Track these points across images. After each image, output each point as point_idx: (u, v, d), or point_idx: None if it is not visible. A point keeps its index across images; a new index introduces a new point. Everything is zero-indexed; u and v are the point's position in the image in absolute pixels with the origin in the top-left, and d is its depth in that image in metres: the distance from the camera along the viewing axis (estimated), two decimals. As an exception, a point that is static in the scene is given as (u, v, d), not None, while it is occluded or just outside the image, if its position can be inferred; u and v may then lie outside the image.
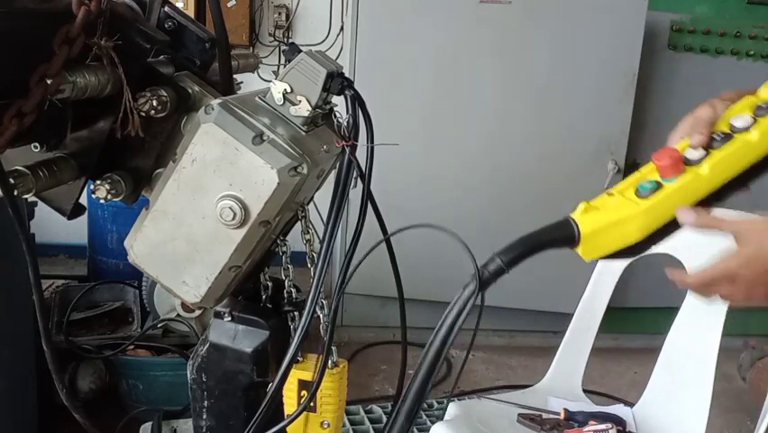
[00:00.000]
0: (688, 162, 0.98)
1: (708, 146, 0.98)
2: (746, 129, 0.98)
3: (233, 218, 0.91)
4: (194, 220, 0.94)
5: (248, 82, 1.29)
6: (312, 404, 1.05)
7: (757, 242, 0.93)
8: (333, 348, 1.06)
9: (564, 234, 0.97)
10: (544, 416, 1.79)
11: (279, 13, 4.06)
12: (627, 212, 0.97)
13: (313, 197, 1.13)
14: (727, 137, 0.98)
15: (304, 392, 1.05)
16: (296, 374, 1.06)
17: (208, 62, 1.16)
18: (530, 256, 0.94)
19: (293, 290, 1.10)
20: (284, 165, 0.89)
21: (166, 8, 1.13)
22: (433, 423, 1.72)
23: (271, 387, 0.98)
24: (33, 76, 0.84)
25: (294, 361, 0.99)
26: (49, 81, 0.84)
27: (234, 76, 1.14)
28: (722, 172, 0.97)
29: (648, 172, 1.01)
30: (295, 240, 1.09)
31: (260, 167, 0.89)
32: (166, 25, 1.14)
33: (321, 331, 1.08)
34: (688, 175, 0.97)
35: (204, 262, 0.96)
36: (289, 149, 0.90)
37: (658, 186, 0.97)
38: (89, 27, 0.89)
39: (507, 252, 0.92)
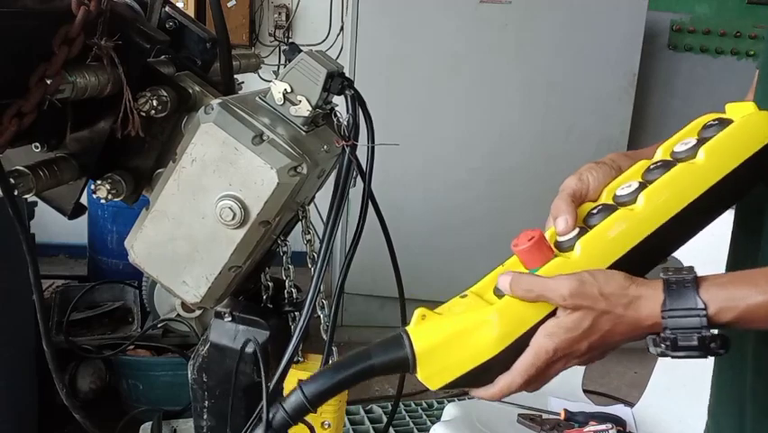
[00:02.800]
0: (559, 246, 0.78)
1: (585, 224, 0.78)
2: (632, 199, 0.77)
3: (233, 218, 0.91)
4: (194, 220, 0.94)
5: (248, 82, 1.29)
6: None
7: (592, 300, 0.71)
8: (333, 348, 1.06)
9: (393, 358, 0.73)
10: (544, 416, 1.79)
11: (279, 14, 4.06)
12: (475, 317, 0.73)
13: (314, 197, 1.12)
14: (608, 210, 0.78)
15: None
16: (296, 375, 1.06)
17: (209, 62, 1.16)
18: (347, 389, 0.75)
19: (293, 291, 1.09)
20: (283, 165, 0.89)
21: (167, 8, 1.13)
22: (433, 423, 1.72)
23: (270, 387, 0.98)
24: (33, 76, 0.84)
25: (293, 360, 0.99)
26: (48, 81, 0.84)
27: (235, 76, 1.14)
28: (601, 253, 0.75)
29: (512, 265, 0.79)
30: (295, 240, 1.09)
31: (260, 167, 0.89)
32: (167, 25, 1.14)
33: (321, 331, 1.08)
34: (558, 261, 0.75)
35: (204, 262, 0.96)
36: (289, 149, 0.90)
37: None
38: (89, 27, 0.89)
39: (313, 382, 0.74)
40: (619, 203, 0.78)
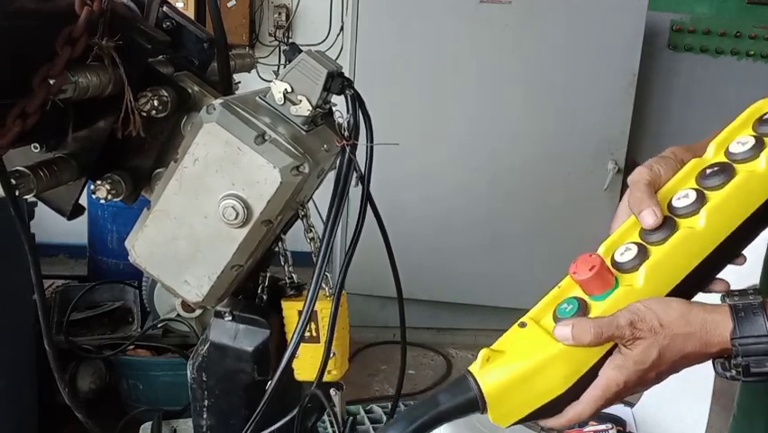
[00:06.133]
0: (618, 267, 0.75)
1: (643, 240, 0.76)
2: (691, 212, 0.74)
3: (236, 218, 0.91)
4: (196, 220, 0.94)
5: (246, 82, 1.29)
6: (315, 335, 1.04)
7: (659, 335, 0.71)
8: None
9: (462, 401, 0.74)
10: (544, 416, 1.79)
11: (279, 14, 4.06)
12: (541, 356, 0.72)
13: (312, 195, 1.13)
14: (667, 226, 0.75)
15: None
16: (296, 306, 1.05)
17: (207, 62, 1.16)
18: None
19: (293, 276, 1.09)
20: (286, 164, 0.89)
21: (164, 8, 1.13)
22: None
23: (270, 384, 0.99)
24: (36, 76, 0.84)
25: (293, 359, 0.99)
26: (51, 81, 0.84)
27: (232, 76, 1.14)
28: (664, 279, 0.73)
29: (569, 287, 0.77)
30: (296, 240, 1.09)
31: (263, 166, 0.89)
32: (164, 25, 1.14)
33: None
34: (622, 292, 0.73)
35: (206, 261, 0.96)
36: (291, 148, 0.90)
37: (582, 306, 0.74)
38: (91, 27, 0.89)
39: (391, 430, 0.76)
40: (678, 215, 0.75)
